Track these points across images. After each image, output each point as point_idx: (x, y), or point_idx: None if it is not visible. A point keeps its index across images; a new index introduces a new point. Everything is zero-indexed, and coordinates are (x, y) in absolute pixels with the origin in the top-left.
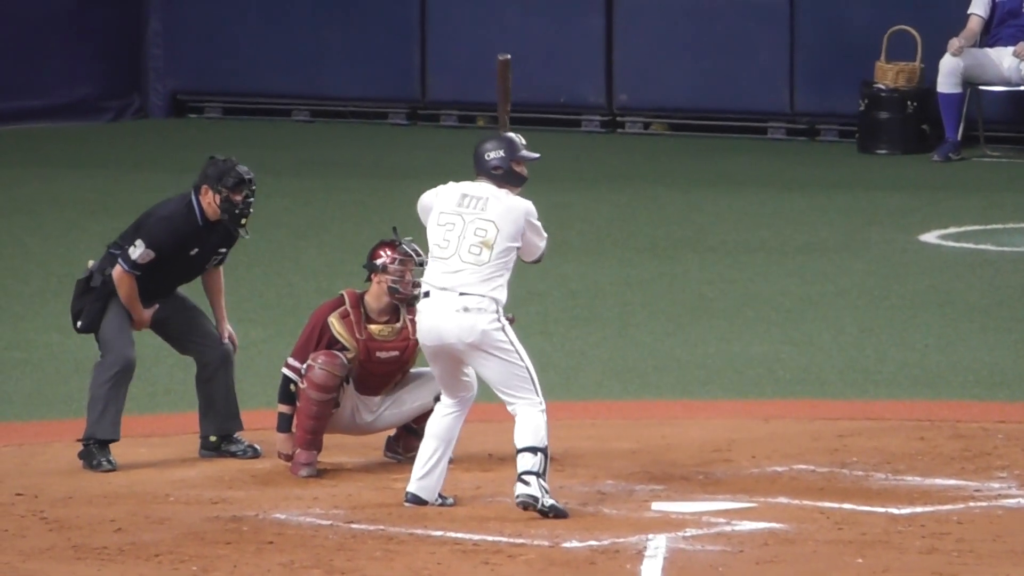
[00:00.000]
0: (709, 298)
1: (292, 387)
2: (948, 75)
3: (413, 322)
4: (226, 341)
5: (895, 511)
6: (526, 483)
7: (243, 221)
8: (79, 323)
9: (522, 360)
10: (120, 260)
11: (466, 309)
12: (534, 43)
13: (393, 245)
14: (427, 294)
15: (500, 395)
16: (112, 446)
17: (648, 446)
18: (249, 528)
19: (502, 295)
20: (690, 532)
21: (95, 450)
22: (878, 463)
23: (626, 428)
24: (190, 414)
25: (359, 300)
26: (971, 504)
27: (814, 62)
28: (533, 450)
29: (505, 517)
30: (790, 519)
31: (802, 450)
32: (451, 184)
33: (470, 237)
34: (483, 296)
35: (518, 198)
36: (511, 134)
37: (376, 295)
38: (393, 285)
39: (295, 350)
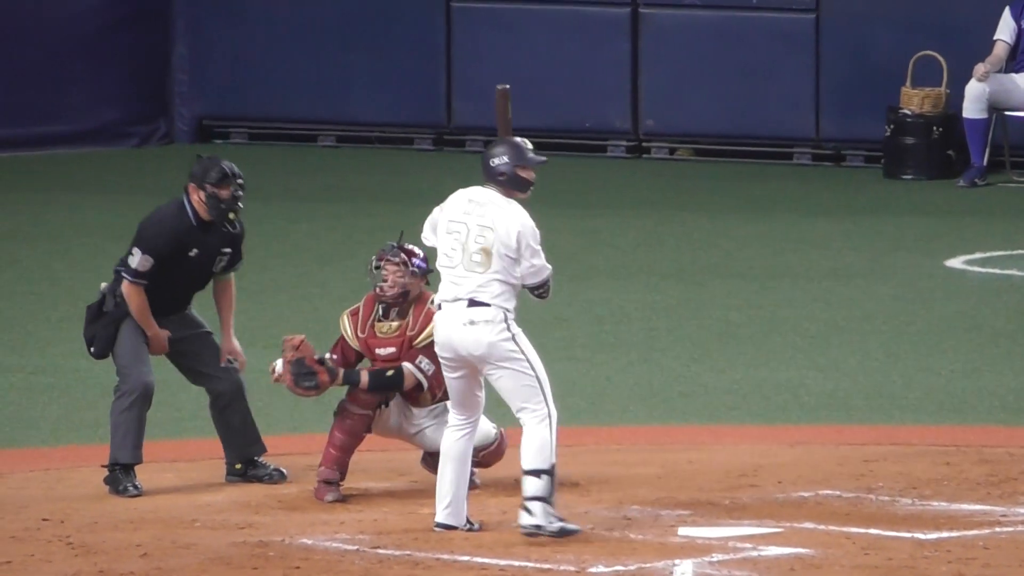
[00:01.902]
0: (735, 323)
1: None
2: (974, 100)
3: (417, 318)
4: (227, 358)
5: (921, 536)
6: (530, 512)
7: (231, 216)
8: (92, 348)
9: (532, 369)
10: (124, 274)
11: (472, 322)
12: (560, 68)
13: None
14: (440, 307)
15: (509, 403)
16: (138, 471)
17: (674, 471)
18: (275, 553)
19: (510, 303)
20: (716, 557)
21: (121, 475)
22: (904, 488)
23: (652, 453)
24: (216, 440)
25: (374, 300)
26: (997, 529)
27: (840, 87)
28: (538, 472)
29: (531, 542)
30: (816, 544)
31: (828, 475)
32: (458, 191)
33: (472, 244)
34: (489, 306)
35: (520, 211)
36: (518, 139)
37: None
38: (378, 284)
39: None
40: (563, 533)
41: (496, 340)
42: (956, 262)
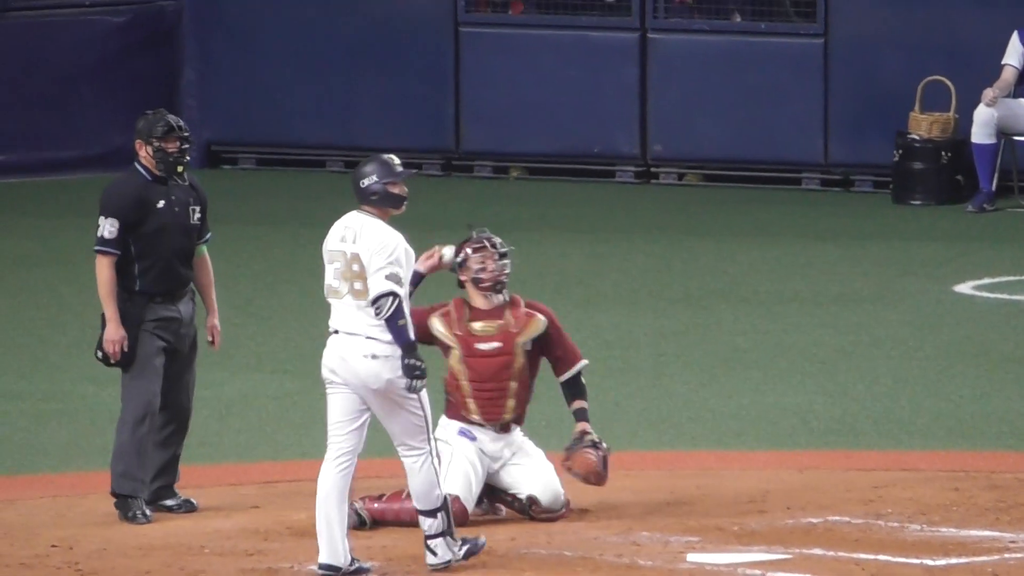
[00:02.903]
0: (743, 349)
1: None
2: (982, 125)
3: (517, 318)
4: (208, 337)
5: (930, 562)
6: (433, 552)
7: (179, 169)
8: (111, 360)
9: (422, 408)
10: (95, 248)
11: (374, 356)
12: (568, 93)
13: (465, 240)
14: (336, 332)
15: (395, 443)
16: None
17: (683, 497)
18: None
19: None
20: None
21: (131, 502)
22: (913, 514)
23: (661, 479)
24: (225, 465)
25: (464, 302)
26: (1006, 555)
27: (848, 112)
28: (432, 513)
29: (540, 568)
30: (826, 571)
31: (837, 501)
32: (336, 223)
33: (349, 273)
34: (388, 343)
35: (384, 229)
36: (383, 156)
37: (473, 294)
38: (477, 275)
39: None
40: (470, 554)
41: (394, 377)
42: (965, 287)
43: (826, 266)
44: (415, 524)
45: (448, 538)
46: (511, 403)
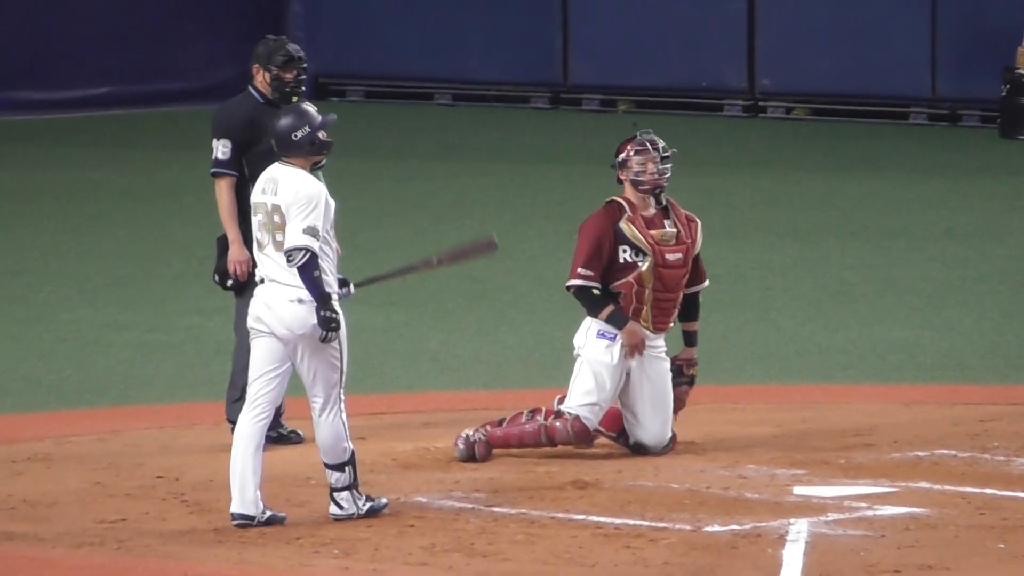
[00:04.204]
0: (850, 283)
1: (595, 292)
2: None
3: (683, 226)
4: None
5: None
6: (339, 505)
7: (294, 99)
8: (229, 282)
9: (341, 360)
10: (212, 171)
11: (300, 300)
12: (676, 27)
13: (628, 139)
14: (261, 281)
15: (309, 393)
16: None
17: (789, 431)
18: (391, 511)
19: (332, 286)
20: (832, 517)
21: None
22: (1020, 448)
23: (767, 412)
24: None
25: (622, 205)
26: None
27: (956, 47)
28: (340, 467)
29: (646, 501)
30: (931, 504)
31: (943, 435)
32: (260, 175)
33: (271, 223)
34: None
35: (305, 178)
36: (302, 105)
37: (632, 195)
38: (636, 177)
39: (583, 262)
40: (372, 512)
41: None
42: None
43: (933, 200)
44: (538, 445)
45: (354, 491)
46: (675, 313)
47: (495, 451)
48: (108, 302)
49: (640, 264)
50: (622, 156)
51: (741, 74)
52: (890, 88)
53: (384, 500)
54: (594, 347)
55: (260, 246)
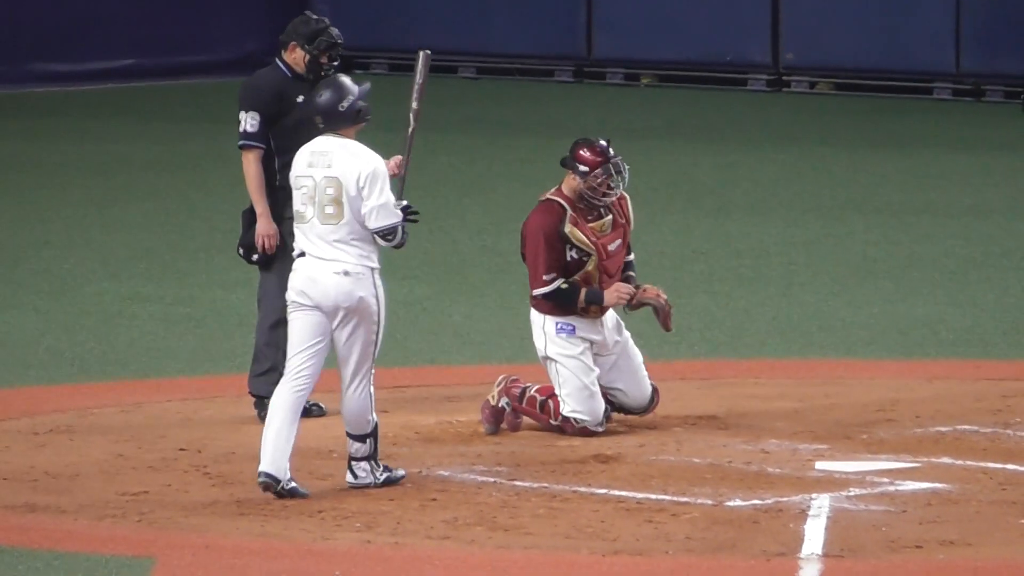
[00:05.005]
0: (874, 259)
1: (563, 287)
2: None
3: (617, 206)
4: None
5: None
6: (355, 474)
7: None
8: (255, 256)
9: (377, 335)
10: (239, 144)
11: (346, 273)
12: (700, 1)
13: (597, 155)
14: (301, 255)
15: (341, 364)
16: None
17: (812, 405)
18: (412, 485)
19: (373, 256)
20: (853, 492)
21: (266, 402)
22: None
23: (790, 387)
24: None
25: (562, 204)
26: None
27: (980, 22)
28: (362, 438)
29: (668, 475)
30: (953, 479)
31: (966, 410)
32: (302, 147)
33: (322, 197)
34: (357, 264)
35: (365, 151)
36: (338, 77)
37: (570, 188)
38: (592, 194)
39: (545, 270)
40: (389, 482)
41: (365, 295)
42: None
43: (957, 176)
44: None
45: (372, 462)
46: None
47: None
48: (132, 275)
49: (586, 263)
50: (584, 168)
51: (765, 48)
52: (914, 63)
53: (402, 472)
54: (558, 345)
55: (302, 219)
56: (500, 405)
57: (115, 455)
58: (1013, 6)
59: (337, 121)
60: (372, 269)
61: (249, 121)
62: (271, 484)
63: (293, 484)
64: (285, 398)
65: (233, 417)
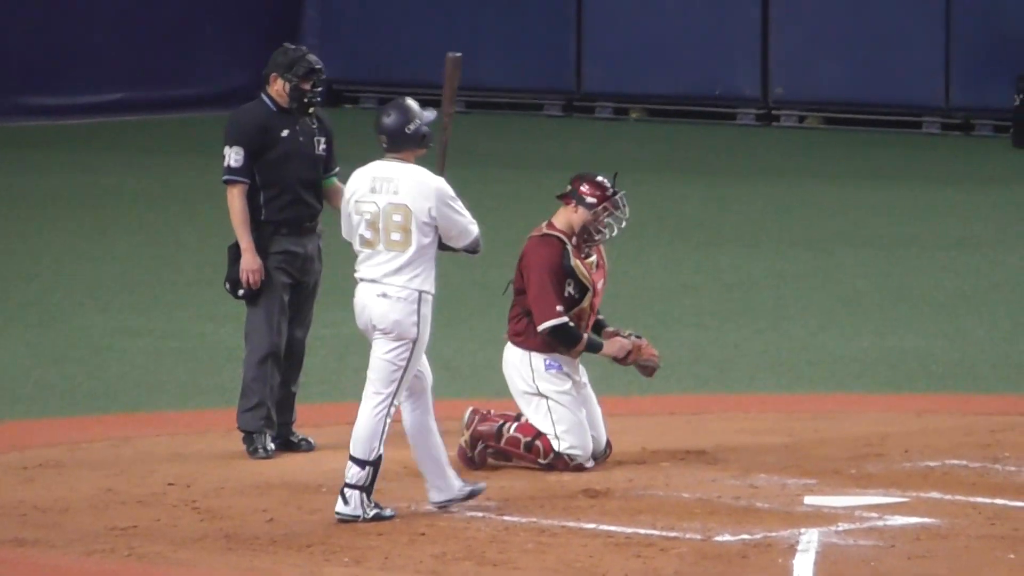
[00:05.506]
0: (863, 292)
1: (570, 324)
2: None
3: (596, 249)
4: None
5: None
6: (345, 500)
7: (311, 110)
8: (240, 291)
9: (408, 361)
10: (223, 178)
11: (385, 296)
12: (690, 34)
13: (604, 189)
14: (361, 280)
15: (367, 383)
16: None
17: (801, 440)
18: (401, 519)
19: (427, 284)
20: (842, 526)
21: (255, 437)
22: None
23: (779, 421)
24: (344, 404)
25: (560, 239)
26: None
27: (970, 56)
28: (362, 463)
29: (657, 510)
30: (942, 514)
31: (955, 445)
32: (358, 172)
33: (388, 223)
34: (403, 287)
35: (430, 176)
36: (405, 100)
37: (566, 223)
38: (594, 231)
39: (558, 300)
40: (378, 519)
41: (402, 319)
42: None
43: (946, 210)
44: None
45: (365, 495)
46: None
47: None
48: (121, 308)
49: (581, 300)
50: (591, 200)
51: (754, 82)
52: (903, 97)
53: (391, 511)
54: (549, 381)
55: (367, 244)
56: (475, 454)
57: (104, 489)
58: (1002, 40)
59: (401, 143)
60: (421, 293)
61: (233, 156)
62: (446, 504)
63: (468, 487)
64: (410, 422)
65: (222, 452)
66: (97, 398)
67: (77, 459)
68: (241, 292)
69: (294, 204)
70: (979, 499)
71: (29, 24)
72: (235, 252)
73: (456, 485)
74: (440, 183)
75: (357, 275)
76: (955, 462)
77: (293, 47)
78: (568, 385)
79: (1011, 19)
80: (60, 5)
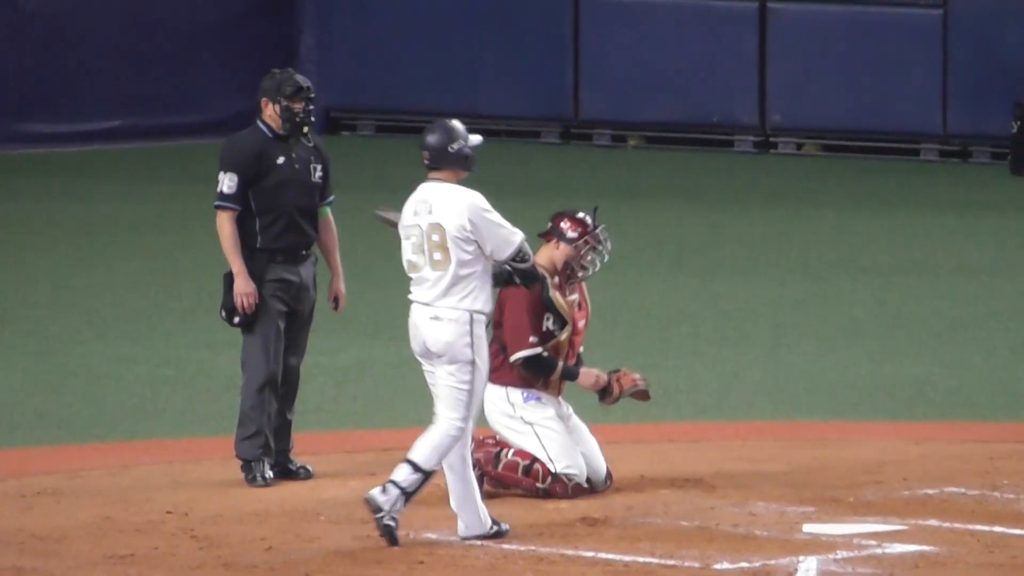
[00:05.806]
0: (861, 319)
1: (544, 354)
2: None
3: (579, 288)
4: (331, 303)
5: None
6: (384, 491)
7: (305, 130)
8: (236, 319)
9: (472, 383)
10: (215, 203)
11: (437, 319)
12: (687, 61)
13: (584, 224)
14: (413, 303)
15: (435, 399)
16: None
17: (799, 467)
18: (399, 548)
19: (478, 303)
20: (841, 555)
21: (253, 465)
22: None
23: (777, 449)
24: (342, 432)
25: (550, 271)
26: None
27: (967, 83)
28: (417, 467)
29: (656, 538)
30: (941, 542)
31: (953, 472)
32: (409, 200)
33: (428, 244)
34: (454, 308)
35: (462, 191)
36: (452, 121)
37: (548, 260)
38: (582, 266)
39: (532, 331)
40: (387, 532)
41: (454, 341)
42: None
43: (944, 237)
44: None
45: (404, 499)
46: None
47: (495, 487)
48: (118, 336)
49: (558, 334)
50: (572, 235)
51: (752, 110)
52: (901, 124)
53: (397, 537)
54: (533, 411)
55: (415, 268)
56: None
57: (102, 517)
58: (999, 68)
59: (443, 161)
60: (472, 313)
61: (227, 182)
62: (477, 539)
63: (496, 527)
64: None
65: (220, 480)
66: (95, 426)
67: (75, 487)
68: (237, 320)
69: (290, 231)
70: (977, 527)
71: (27, 52)
72: (230, 281)
73: (487, 523)
74: (473, 196)
75: (411, 297)
76: (953, 490)
77: (279, 71)
78: (551, 412)
79: (1008, 46)
80: (58, 33)
